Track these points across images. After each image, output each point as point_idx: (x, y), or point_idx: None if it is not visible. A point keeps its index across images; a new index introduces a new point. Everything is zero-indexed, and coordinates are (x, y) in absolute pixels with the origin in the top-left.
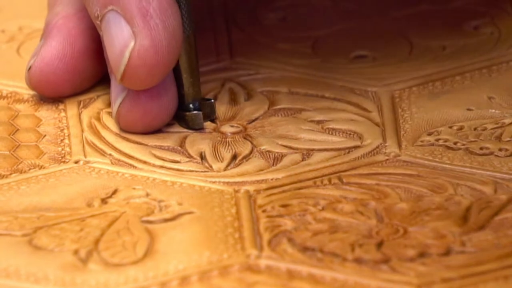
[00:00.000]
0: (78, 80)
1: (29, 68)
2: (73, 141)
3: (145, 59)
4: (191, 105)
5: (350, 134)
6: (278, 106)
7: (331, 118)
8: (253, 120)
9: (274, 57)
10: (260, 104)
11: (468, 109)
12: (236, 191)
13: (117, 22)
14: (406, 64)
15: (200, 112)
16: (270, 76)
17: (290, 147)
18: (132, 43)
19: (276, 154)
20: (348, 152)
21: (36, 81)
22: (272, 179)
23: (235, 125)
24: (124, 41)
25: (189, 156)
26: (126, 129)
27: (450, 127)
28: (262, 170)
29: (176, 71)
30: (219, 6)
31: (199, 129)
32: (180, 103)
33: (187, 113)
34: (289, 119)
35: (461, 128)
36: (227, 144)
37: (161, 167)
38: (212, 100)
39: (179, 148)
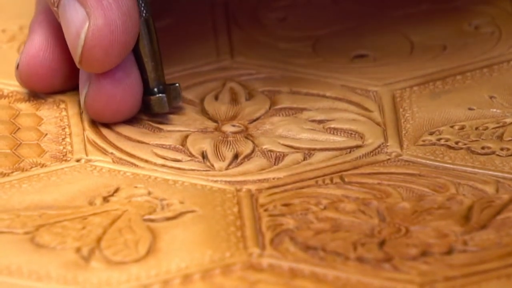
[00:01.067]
0: (67, 69)
1: (17, 66)
2: (74, 139)
3: (100, 38)
4: (155, 89)
5: (351, 133)
6: (279, 106)
7: (332, 118)
8: (255, 120)
9: (275, 57)
10: (261, 103)
11: (470, 109)
12: (238, 190)
13: (71, 5)
14: (407, 64)
15: (164, 95)
16: (271, 76)
17: (292, 147)
18: (86, 25)
19: (278, 154)
20: (350, 152)
21: (25, 76)
22: (273, 178)
23: (236, 124)
24: (79, 23)
25: (191, 155)
26: (97, 118)
27: (452, 127)
28: (263, 169)
29: (137, 56)
30: (220, 6)
31: (164, 113)
32: (145, 89)
33: (151, 97)
34: (290, 119)
35: (462, 128)
36: (229, 143)
37: (163, 165)
38: (177, 84)
39: (181, 147)
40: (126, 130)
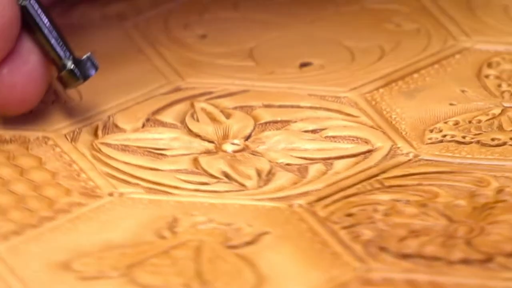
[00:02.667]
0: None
1: None
2: (91, 174)
3: None
4: (68, 64)
5: (354, 139)
6: (263, 121)
7: (323, 127)
8: (248, 137)
9: (222, 73)
10: (245, 120)
11: (451, 104)
12: (290, 206)
13: None
14: (356, 68)
15: (74, 67)
16: (231, 93)
17: (306, 158)
18: None
19: (297, 166)
20: (367, 157)
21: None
22: (314, 191)
23: (235, 143)
24: None
25: (213, 176)
26: (5, 113)
27: (446, 123)
28: (296, 183)
29: (36, 38)
30: (132, 30)
31: (79, 85)
32: (57, 67)
33: (63, 73)
34: (283, 132)
35: (457, 123)
36: (241, 162)
37: (196, 190)
38: (89, 53)
39: (196, 169)
40: (132, 159)
